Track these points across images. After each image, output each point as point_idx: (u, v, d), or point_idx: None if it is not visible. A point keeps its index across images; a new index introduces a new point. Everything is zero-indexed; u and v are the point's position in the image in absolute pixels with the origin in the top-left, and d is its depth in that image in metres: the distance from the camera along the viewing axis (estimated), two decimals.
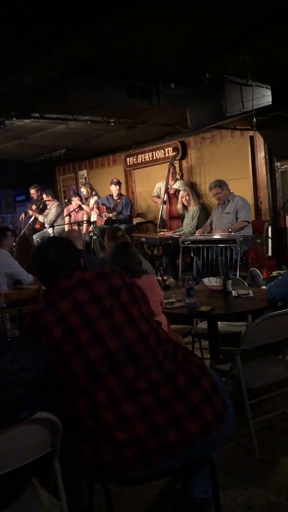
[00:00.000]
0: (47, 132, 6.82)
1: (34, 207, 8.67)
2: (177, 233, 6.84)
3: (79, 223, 8.26)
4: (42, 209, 8.65)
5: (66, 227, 8.14)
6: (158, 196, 7.76)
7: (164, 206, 7.41)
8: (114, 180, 7.83)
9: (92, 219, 8.13)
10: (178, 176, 7.62)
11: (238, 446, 2.75)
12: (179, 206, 7.16)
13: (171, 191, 7.46)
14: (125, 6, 2.98)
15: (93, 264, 3.89)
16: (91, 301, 1.77)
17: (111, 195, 7.94)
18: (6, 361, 1.50)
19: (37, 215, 8.56)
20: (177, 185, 7.56)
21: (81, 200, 8.53)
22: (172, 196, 7.45)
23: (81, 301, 1.77)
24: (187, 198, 6.95)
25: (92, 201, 8.35)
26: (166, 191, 7.47)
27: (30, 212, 8.62)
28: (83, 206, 8.41)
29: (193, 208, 6.95)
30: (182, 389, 1.72)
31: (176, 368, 1.76)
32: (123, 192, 8.79)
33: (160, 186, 7.80)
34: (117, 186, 7.79)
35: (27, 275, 4.63)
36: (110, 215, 7.61)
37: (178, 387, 1.72)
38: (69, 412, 1.70)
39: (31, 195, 8.91)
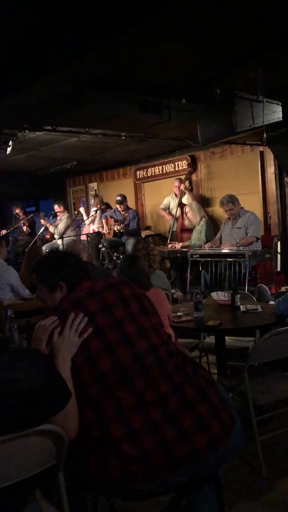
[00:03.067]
0: (58, 144, 6.89)
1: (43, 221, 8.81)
2: (186, 244, 6.85)
3: (88, 235, 8.32)
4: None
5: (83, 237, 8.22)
6: (167, 209, 7.81)
7: (176, 219, 7.47)
8: (117, 199, 7.82)
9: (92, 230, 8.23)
10: (184, 190, 7.67)
11: (244, 464, 2.71)
12: (186, 221, 7.22)
13: (182, 205, 7.55)
14: (137, 24, 3.03)
15: (98, 274, 3.89)
16: (102, 311, 1.78)
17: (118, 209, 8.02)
18: None
19: (48, 225, 8.67)
20: (184, 198, 7.62)
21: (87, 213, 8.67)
22: (184, 210, 7.50)
23: (92, 311, 1.77)
24: (189, 213, 6.99)
25: (92, 213, 8.42)
26: (179, 205, 7.52)
27: (42, 222, 8.73)
28: (86, 222, 8.50)
29: (200, 223, 6.97)
30: (190, 402, 1.71)
31: (184, 381, 1.75)
32: (133, 205, 8.84)
33: (170, 200, 7.85)
34: (121, 205, 7.82)
35: (24, 290, 4.48)
36: (119, 227, 7.66)
37: (186, 400, 1.71)
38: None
39: (55, 210, 8.96)
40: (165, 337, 1.85)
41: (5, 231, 9.07)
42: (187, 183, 7.75)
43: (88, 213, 8.95)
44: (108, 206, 8.70)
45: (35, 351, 1.66)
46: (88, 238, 7.86)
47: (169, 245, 7.10)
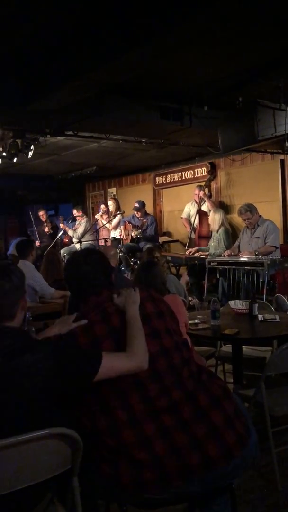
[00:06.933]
0: (79, 149, 6.96)
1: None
2: (204, 252, 6.81)
3: (106, 240, 8.35)
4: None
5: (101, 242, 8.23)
6: (188, 217, 7.81)
7: (195, 227, 7.46)
8: (135, 206, 7.82)
9: (113, 236, 8.21)
10: (203, 197, 7.64)
11: (259, 476, 2.67)
12: (208, 227, 7.19)
13: (201, 212, 7.53)
14: (162, 33, 3.05)
15: (123, 284, 3.89)
16: (116, 312, 1.78)
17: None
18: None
19: (67, 228, 8.73)
20: (204, 206, 7.60)
21: (104, 216, 8.67)
22: (202, 217, 7.47)
23: (110, 312, 1.78)
24: (210, 220, 6.97)
25: (116, 219, 8.43)
26: (198, 212, 7.50)
27: (61, 225, 8.80)
28: (107, 225, 8.50)
29: (219, 231, 6.93)
30: (204, 410, 1.69)
31: (199, 389, 1.74)
32: (151, 211, 8.85)
33: (190, 207, 7.84)
34: (138, 212, 7.82)
35: (49, 289, 4.60)
36: (136, 232, 7.67)
37: (200, 408, 1.69)
38: (88, 430, 1.68)
39: (74, 214, 9.04)
40: (179, 342, 1.84)
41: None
42: (206, 190, 7.73)
43: (108, 216, 8.90)
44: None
45: (36, 342, 1.69)
46: (107, 243, 7.88)
47: (187, 252, 7.07)
